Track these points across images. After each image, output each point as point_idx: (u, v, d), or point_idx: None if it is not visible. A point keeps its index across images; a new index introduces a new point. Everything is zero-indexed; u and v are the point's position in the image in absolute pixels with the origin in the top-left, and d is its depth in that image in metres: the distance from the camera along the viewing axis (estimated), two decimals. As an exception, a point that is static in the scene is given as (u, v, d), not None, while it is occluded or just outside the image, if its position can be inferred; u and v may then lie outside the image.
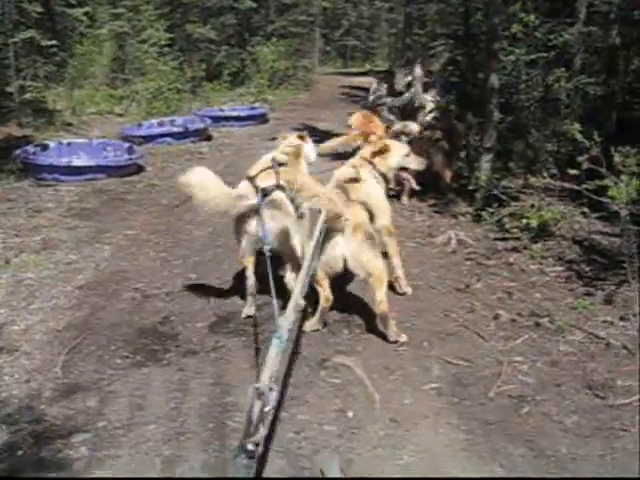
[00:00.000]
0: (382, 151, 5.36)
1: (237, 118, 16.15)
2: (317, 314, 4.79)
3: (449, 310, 5.20)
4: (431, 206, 8.17)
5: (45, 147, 10.98)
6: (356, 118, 8.50)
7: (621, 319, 4.95)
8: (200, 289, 5.64)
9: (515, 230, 6.71)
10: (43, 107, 14.90)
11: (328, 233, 4.57)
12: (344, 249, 4.60)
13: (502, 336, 4.77)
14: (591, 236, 6.69)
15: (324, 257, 4.62)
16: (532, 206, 6.79)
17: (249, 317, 5.02)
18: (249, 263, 5.01)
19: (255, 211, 4.81)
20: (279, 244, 4.85)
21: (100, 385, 4.12)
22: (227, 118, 16.08)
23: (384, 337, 4.67)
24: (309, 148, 5.96)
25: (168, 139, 12.96)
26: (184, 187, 4.92)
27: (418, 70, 12.47)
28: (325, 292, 4.71)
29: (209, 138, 13.84)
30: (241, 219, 4.91)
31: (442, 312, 5.17)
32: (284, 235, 4.88)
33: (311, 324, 4.80)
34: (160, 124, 14.27)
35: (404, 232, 7.18)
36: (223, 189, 4.85)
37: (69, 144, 11.50)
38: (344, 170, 5.25)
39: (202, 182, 4.84)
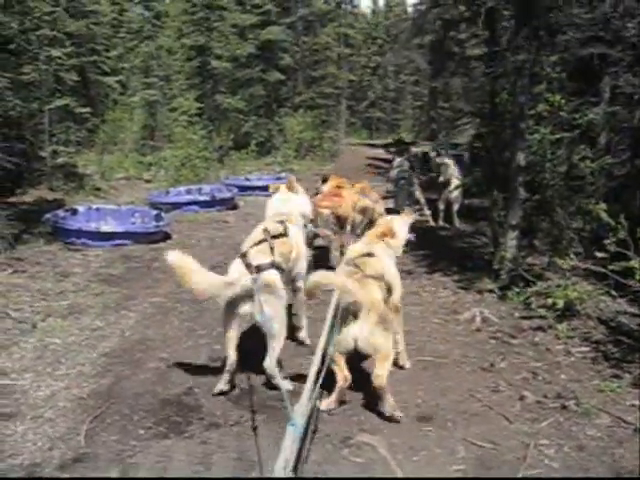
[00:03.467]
0: (387, 234, 5.46)
1: (263, 188, 16.33)
2: (334, 393, 4.71)
3: (474, 390, 5.16)
4: (456, 281, 8.18)
5: (75, 211, 11.19)
6: (327, 186, 8.78)
7: (649, 403, 4.87)
8: (224, 361, 5.61)
9: (541, 309, 6.68)
10: (74, 171, 15.31)
11: (341, 313, 4.58)
12: (356, 331, 4.56)
13: (528, 418, 4.71)
14: (617, 317, 6.64)
15: (337, 337, 4.58)
16: (558, 285, 6.77)
17: (221, 394, 4.91)
18: (232, 343, 4.90)
19: (244, 293, 4.78)
20: (268, 326, 4.75)
21: (122, 456, 4.10)
22: (253, 187, 16.32)
23: (379, 413, 4.63)
24: (301, 201, 6.06)
25: (195, 207, 13.17)
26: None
27: (414, 150, 12.86)
28: (343, 372, 4.65)
29: (235, 207, 14.05)
30: (232, 302, 4.82)
31: (467, 391, 5.12)
32: (274, 318, 4.81)
33: (327, 403, 4.72)
34: (187, 192, 14.55)
35: (429, 308, 7.22)
36: (210, 278, 4.79)
37: (98, 209, 11.72)
38: (357, 246, 5.32)
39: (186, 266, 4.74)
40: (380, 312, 4.63)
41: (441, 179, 12.45)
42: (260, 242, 5.10)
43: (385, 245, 5.36)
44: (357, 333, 4.56)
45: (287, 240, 5.36)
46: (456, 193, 12.10)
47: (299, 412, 3.69)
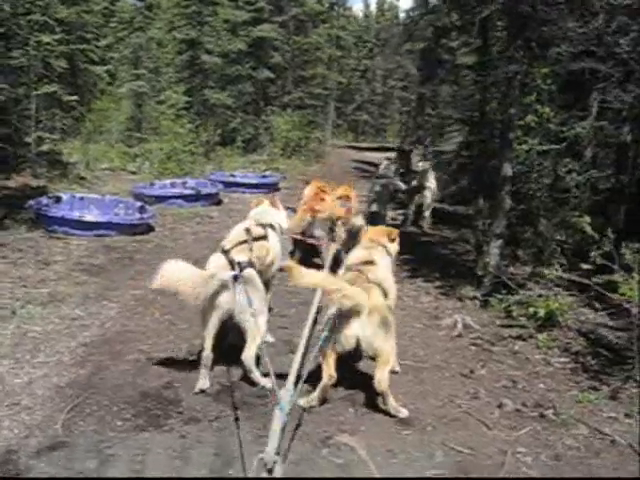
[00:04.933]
0: (394, 238, 5.60)
1: (248, 185, 16.33)
2: (318, 390, 4.74)
3: (453, 395, 5.18)
4: (438, 287, 8.21)
5: (58, 199, 11.09)
6: (309, 190, 8.80)
7: (626, 416, 4.92)
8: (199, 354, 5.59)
9: (522, 318, 6.72)
10: (58, 159, 15.14)
11: (343, 312, 4.61)
12: (359, 330, 4.62)
13: (506, 425, 4.73)
14: (597, 329, 6.70)
15: (338, 336, 4.63)
16: (540, 295, 6.81)
17: (203, 391, 4.93)
18: (209, 337, 4.99)
19: (225, 286, 4.91)
20: (247, 320, 4.89)
21: (100, 447, 4.07)
22: (238, 184, 16.28)
23: (386, 413, 4.69)
24: (281, 216, 6.24)
25: (179, 201, 13.09)
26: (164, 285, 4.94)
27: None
28: (330, 370, 4.68)
29: (219, 203, 13.98)
30: (212, 295, 4.93)
31: (447, 397, 5.14)
32: (254, 312, 4.90)
33: (308, 400, 4.73)
34: (172, 185, 14.46)
35: (411, 313, 7.22)
36: (196, 273, 4.95)
37: (82, 198, 11.61)
38: (358, 253, 5.36)
39: (178, 274, 4.92)
40: (382, 315, 4.68)
41: (414, 183, 12.49)
42: (242, 242, 5.28)
43: (384, 250, 5.43)
44: (360, 332, 4.62)
45: (266, 244, 5.58)
46: (429, 200, 12.15)
47: (286, 396, 3.81)
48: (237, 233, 5.49)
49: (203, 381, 4.98)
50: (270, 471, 3.02)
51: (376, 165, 15.25)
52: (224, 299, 4.92)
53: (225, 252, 5.12)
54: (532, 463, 4.22)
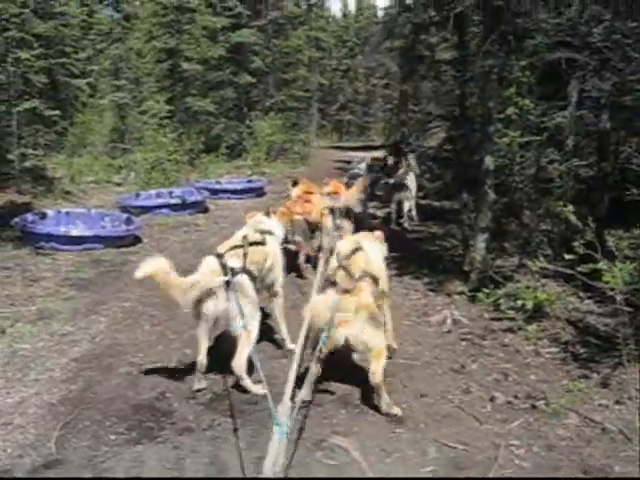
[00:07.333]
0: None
1: (234, 191, 16.35)
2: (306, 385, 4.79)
3: (445, 391, 5.20)
4: (426, 284, 8.23)
5: (44, 215, 11.07)
6: (296, 191, 8.86)
7: (617, 403, 4.94)
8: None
9: (510, 311, 6.74)
10: (43, 174, 15.09)
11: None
12: (347, 328, 4.65)
13: (498, 419, 4.76)
14: (585, 317, 6.73)
15: (327, 333, 4.66)
16: (527, 287, 6.84)
17: (199, 391, 5.06)
18: (202, 342, 5.08)
19: (211, 294, 4.93)
20: (238, 327, 4.94)
21: (94, 462, 4.07)
22: (224, 191, 16.32)
23: (379, 412, 4.71)
24: (277, 226, 6.21)
25: (165, 210, 13.08)
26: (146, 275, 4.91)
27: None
28: (317, 367, 4.77)
29: (206, 210, 13.98)
30: (199, 302, 4.95)
31: (438, 393, 5.16)
32: (243, 319, 4.95)
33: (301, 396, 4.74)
34: (158, 195, 14.42)
35: (400, 310, 7.22)
36: (177, 280, 4.89)
37: (68, 213, 11.60)
38: (346, 243, 5.40)
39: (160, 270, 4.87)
40: (370, 310, 4.73)
41: (392, 181, 12.53)
42: (236, 247, 5.27)
43: (376, 240, 5.59)
44: (347, 330, 4.66)
45: (263, 249, 5.54)
46: (409, 198, 12.14)
47: (283, 412, 3.79)
48: (234, 239, 5.50)
49: (197, 383, 5.10)
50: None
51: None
52: (210, 307, 4.96)
53: (219, 256, 5.13)
54: (525, 455, 4.24)
